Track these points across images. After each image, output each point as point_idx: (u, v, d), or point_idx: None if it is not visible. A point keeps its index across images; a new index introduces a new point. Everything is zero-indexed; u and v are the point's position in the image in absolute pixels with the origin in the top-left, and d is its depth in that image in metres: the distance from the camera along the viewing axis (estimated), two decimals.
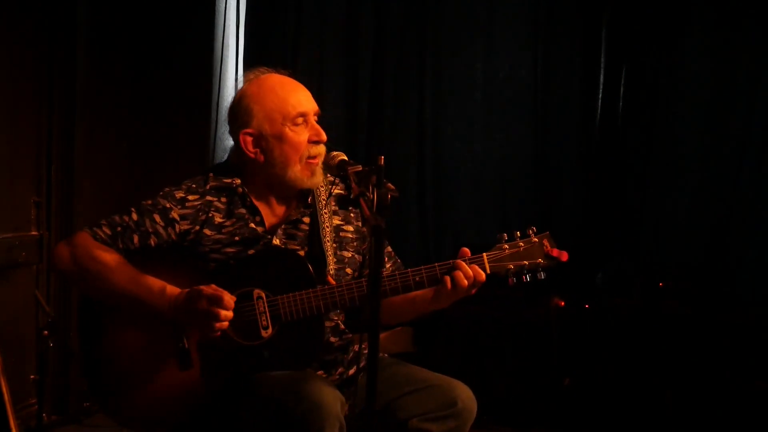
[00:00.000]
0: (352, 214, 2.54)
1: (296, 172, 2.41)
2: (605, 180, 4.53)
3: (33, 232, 3.88)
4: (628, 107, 4.48)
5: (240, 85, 4.74)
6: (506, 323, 4.13)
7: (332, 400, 2.15)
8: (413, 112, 4.74)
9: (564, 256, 2.34)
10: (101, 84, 4.16)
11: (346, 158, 2.34)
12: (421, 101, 4.73)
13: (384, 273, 2.47)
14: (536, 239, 2.35)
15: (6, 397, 2.04)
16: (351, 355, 2.48)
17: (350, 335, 2.48)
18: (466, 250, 2.35)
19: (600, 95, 4.53)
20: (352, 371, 2.46)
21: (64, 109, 3.98)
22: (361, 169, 2.21)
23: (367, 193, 2.07)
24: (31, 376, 3.72)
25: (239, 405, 2.29)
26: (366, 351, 2.02)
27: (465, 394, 2.35)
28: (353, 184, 2.17)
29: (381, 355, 2.46)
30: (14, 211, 3.80)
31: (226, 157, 2.70)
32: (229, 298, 2.24)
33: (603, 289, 4.37)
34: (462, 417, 2.34)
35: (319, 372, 2.41)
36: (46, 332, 3.24)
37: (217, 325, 2.23)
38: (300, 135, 2.42)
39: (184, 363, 2.30)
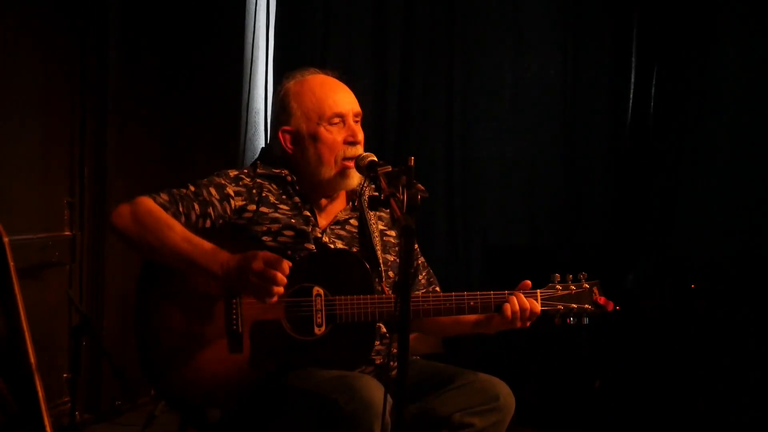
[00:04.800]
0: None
1: (330, 172, 2.43)
2: (635, 180, 4.50)
3: (66, 233, 3.92)
4: (659, 107, 4.45)
5: (270, 85, 4.81)
6: (536, 325, 4.11)
7: (382, 401, 2.14)
8: (442, 112, 4.74)
9: (610, 306, 2.42)
10: (133, 85, 4.20)
11: (375, 159, 2.36)
12: (449, 101, 4.72)
13: (424, 291, 2.53)
14: (587, 285, 2.43)
15: (40, 395, 2.06)
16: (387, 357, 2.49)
17: (389, 339, 2.49)
18: (528, 282, 2.41)
19: (631, 95, 4.50)
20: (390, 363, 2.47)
21: (96, 110, 4.02)
22: (390, 169, 2.21)
23: (397, 194, 2.07)
24: (64, 375, 3.76)
25: (285, 396, 2.30)
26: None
27: (505, 390, 2.39)
28: (383, 185, 2.17)
29: (414, 357, 2.48)
30: (47, 212, 3.84)
31: (260, 150, 2.75)
32: (285, 262, 2.22)
33: (633, 291, 4.34)
34: (503, 412, 2.37)
35: (369, 369, 2.41)
36: (78, 331, 3.27)
37: (274, 288, 2.21)
38: (335, 135, 2.43)
39: (235, 346, 2.31)
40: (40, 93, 3.78)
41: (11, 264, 2.09)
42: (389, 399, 2.15)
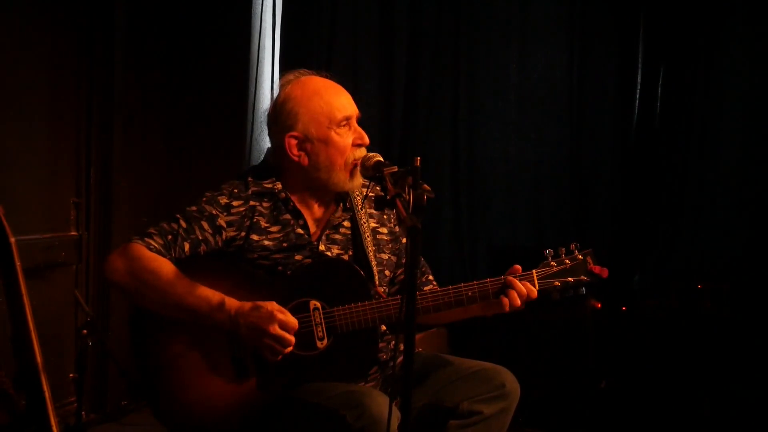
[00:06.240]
0: (385, 216, 2.56)
1: (340, 175, 2.42)
2: (642, 180, 4.49)
3: (72, 233, 3.93)
4: (665, 107, 4.44)
5: (276, 86, 4.80)
6: (542, 325, 4.11)
7: (392, 418, 2.14)
8: (447, 113, 4.73)
9: (605, 273, 2.42)
10: (139, 86, 4.21)
11: (381, 159, 2.36)
12: (455, 102, 4.72)
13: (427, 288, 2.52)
14: (581, 256, 2.42)
15: (46, 394, 2.07)
16: (390, 354, 2.50)
17: (390, 336, 2.51)
18: (518, 267, 2.40)
19: (637, 96, 4.49)
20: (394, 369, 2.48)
21: (102, 110, 4.03)
22: (396, 170, 2.21)
23: (404, 194, 2.07)
24: (70, 375, 3.75)
25: (293, 413, 2.30)
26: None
27: (510, 377, 2.41)
28: (389, 185, 2.16)
29: (419, 350, 2.49)
30: (54, 212, 3.85)
31: (262, 158, 2.70)
32: (296, 324, 2.26)
33: (640, 291, 4.33)
34: (509, 398, 2.39)
35: (373, 369, 2.43)
36: (84, 331, 3.27)
37: (286, 350, 2.26)
38: (345, 138, 2.43)
39: (241, 372, 2.32)
40: (46, 94, 3.78)
41: (18, 264, 2.09)
42: (396, 412, 2.15)
